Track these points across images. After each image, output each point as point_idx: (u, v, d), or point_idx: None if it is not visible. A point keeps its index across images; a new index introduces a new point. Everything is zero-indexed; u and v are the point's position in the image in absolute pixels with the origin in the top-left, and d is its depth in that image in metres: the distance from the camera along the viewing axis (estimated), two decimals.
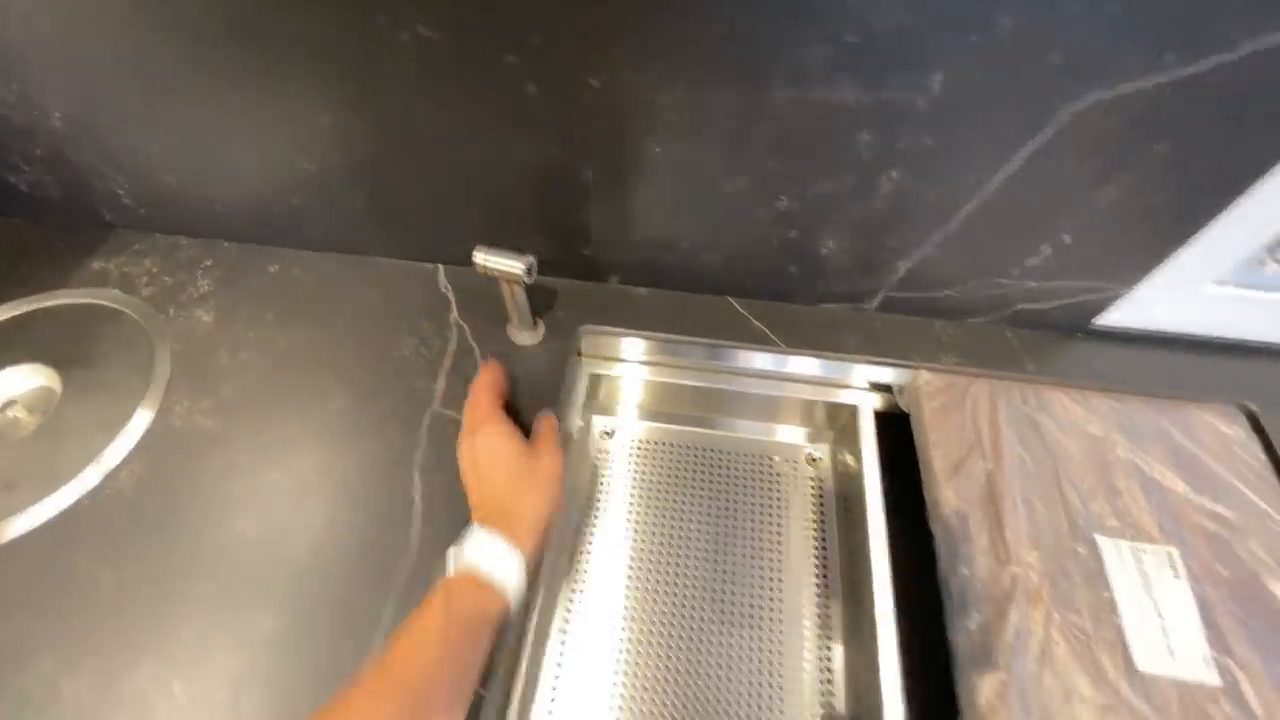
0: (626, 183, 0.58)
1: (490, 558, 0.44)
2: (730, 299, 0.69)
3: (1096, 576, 0.53)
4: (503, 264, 0.55)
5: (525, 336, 0.66)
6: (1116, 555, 0.54)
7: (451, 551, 0.46)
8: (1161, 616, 0.51)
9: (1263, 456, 0.60)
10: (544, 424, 0.56)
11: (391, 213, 0.67)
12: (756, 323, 0.68)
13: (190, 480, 0.57)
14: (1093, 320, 0.65)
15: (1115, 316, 0.65)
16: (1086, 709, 0.47)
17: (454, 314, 0.68)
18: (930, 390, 0.64)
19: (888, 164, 0.52)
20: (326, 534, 0.54)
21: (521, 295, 0.60)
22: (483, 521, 0.47)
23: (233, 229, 0.72)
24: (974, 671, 0.49)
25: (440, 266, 0.72)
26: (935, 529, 0.56)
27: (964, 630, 0.51)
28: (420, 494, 0.56)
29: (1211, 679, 0.49)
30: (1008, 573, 0.53)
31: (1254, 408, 0.63)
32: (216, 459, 0.58)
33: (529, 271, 0.56)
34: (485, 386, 0.56)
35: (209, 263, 0.72)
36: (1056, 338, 0.67)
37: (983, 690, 0.48)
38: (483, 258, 0.55)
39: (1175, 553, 0.54)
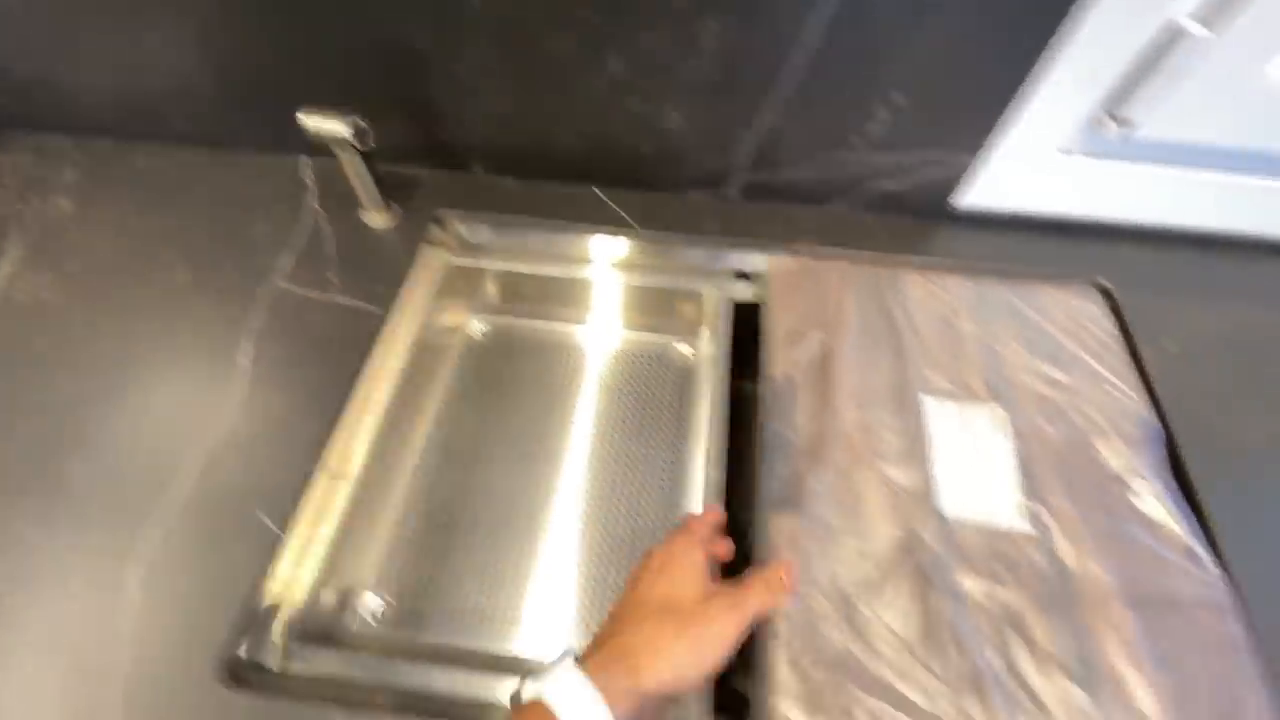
0: (456, 51, 0.58)
1: (571, 699, 0.33)
2: (594, 188, 0.69)
3: (916, 432, 0.52)
4: (327, 125, 0.55)
5: (377, 218, 0.65)
6: (940, 413, 0.53)
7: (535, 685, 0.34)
8: (978, 469, 0.51)
9: (1114, 330, 0.59)
10: (772, 574, 0.42)
11: (250, 102, 0.67)
12: (618, 209, 0.67)
13: (23, 347, 0.57)
14: (952, 202, 0.65)
15: (973, 197, 0.64)
16: (884, 547, 0.47)
17: (312, 201, 0.68)
18: (781, 272, 0.63)
19: (699, 9, 0.51)
20: (151, 393, 0.54)
21: (361, 167, 0.60)
22: (591, 656, 0.35)
23: (100, 123, 0.72)
24: (773, 512, 0.48)
25: (304, 158, 0.71)
26: (763, 391, 0.55)
27: (773, 478, 0.50)
28: (250, 359, 0.56)
29: (1022, 527, 0.48)
30: (825, 427, 0.52)
31: (1108, 285, 0.62)
32: (51, 329, 0.58)
33: (359, 135, 0.55)
34: (707, 524, 0.45)
35: (76, 156, 0.72)
36: (918, 223, 0.66)
37: (780, 529, 0.47)
38: (308, 120, 0.55)
39: (1003, 412, 0.54)
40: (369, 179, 0.61)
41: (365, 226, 0.65)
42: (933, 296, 0.61)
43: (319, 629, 0.52)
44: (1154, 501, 0.49)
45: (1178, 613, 0.44)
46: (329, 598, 0.53)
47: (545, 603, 0.58)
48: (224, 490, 0.49)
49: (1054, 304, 0.61)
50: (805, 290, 0.62)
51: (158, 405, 0.54)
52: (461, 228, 0.69)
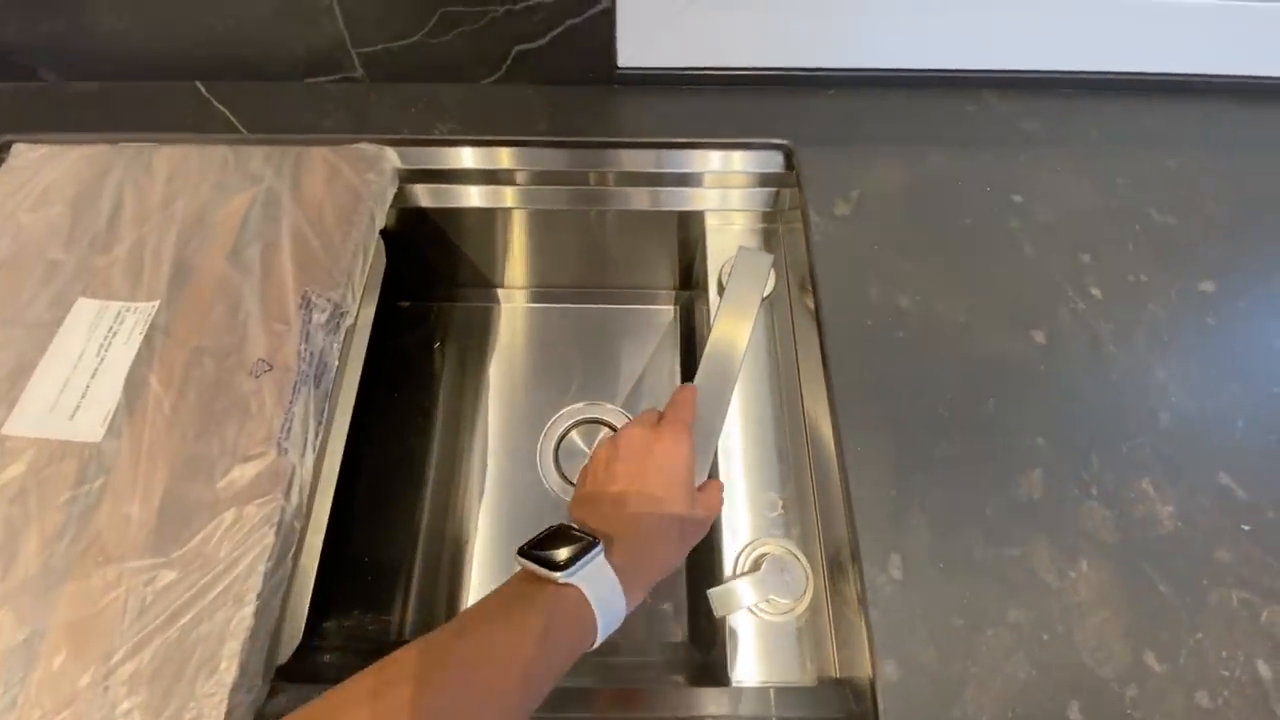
0: None
1: (607, 597, 0.32)
2: (198, 83, 0.56)
3: (46, 340, 0.44)
4: None
5: None
6: (81, 316, 0.45)
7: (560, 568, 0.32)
8: (85, 378, 0.43)
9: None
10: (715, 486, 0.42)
11: None
12: (221, 108, 0.55)
13: None
14: (616, 65, 0.55)
15: (631, 53, 0.54)
16: None
17: None
18: (19, 166, 0.51)
19: None
20: None
21: None
22: (613, 553, 0.34)
23: None
24: None
25: None
26: None
27: None
28: None
29: (94, 439, 0.40)
30: None
31: (789, 144, 0.54)
32: None
33: None
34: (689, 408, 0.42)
35: None
36: (588, 93, 0.57)
37: None
38: None
39: (150, 307, 0.45)
40: None
41: None
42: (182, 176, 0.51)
43: None
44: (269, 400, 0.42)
45: None
46: None
47: None
48: None
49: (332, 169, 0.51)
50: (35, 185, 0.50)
51: None
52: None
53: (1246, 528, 0.40)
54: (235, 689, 0.36)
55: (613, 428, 0.68)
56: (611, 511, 0.36)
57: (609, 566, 0.33)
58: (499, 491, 0.65)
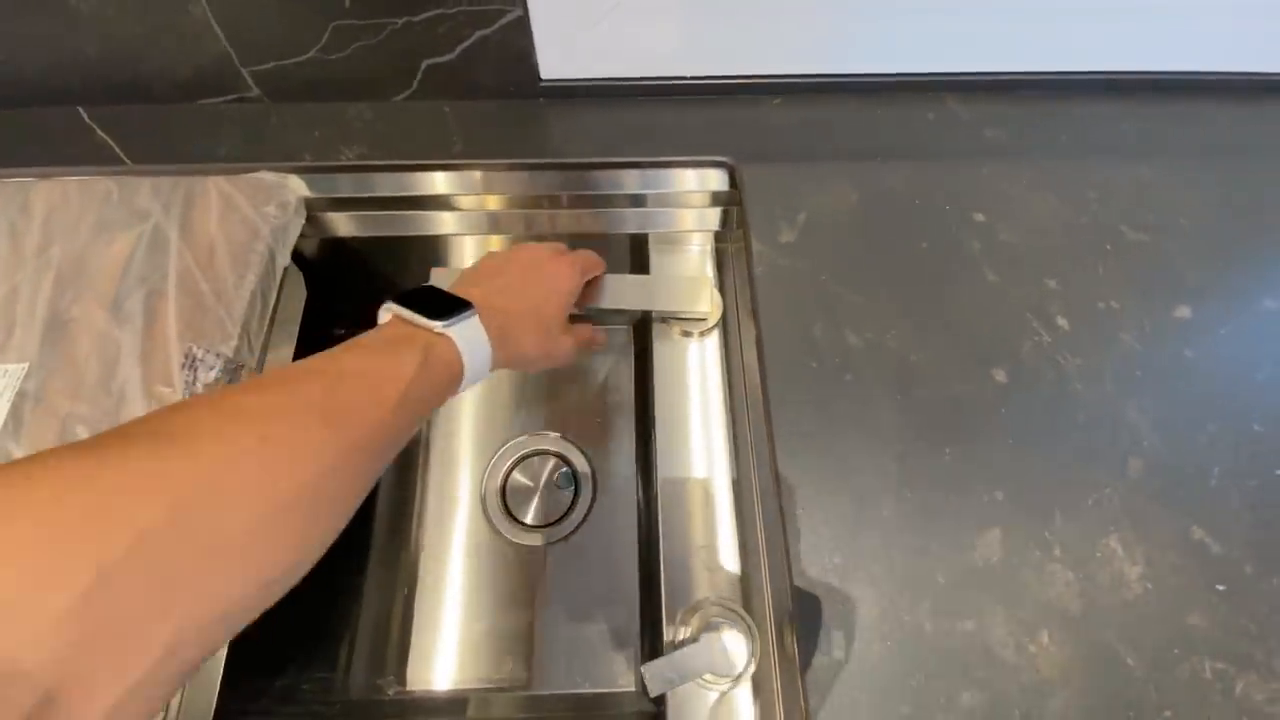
0: None
1: (476, 352, 0.34)
2: (80, 109, 0.51)
3: None
4: None
5: None
6: None
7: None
8: None
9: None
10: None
11: None
12: (104, 136, 0.50)
13: None
14: (539, 77, 0.50)
15: (554, 65, 0.49)
16: None
17: None
18: None
19: None
20: None
21: None
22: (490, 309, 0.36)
23: None
24: None
25: None
26: None
27: None
28: None
29: None
30: None
31: (731, 162, 0.50)
32: None
33: None
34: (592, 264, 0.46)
35: None
36: (511, 108, 0.52)
37: None
38: None
39: (19, 368, 0.41)
40: None
41: None
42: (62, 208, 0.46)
43: None
44: None
45: None
46: None
47: None
48: None
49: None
50: None
51: None
52: None
53: (1221, 587, 0.37)
54: None
55: (562, 459, 0.64)
56: (490, 291, 0.37)
57: (482, 328, 0.35)
58: (440, 535, 0.61)
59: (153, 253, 0.45)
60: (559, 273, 0.41)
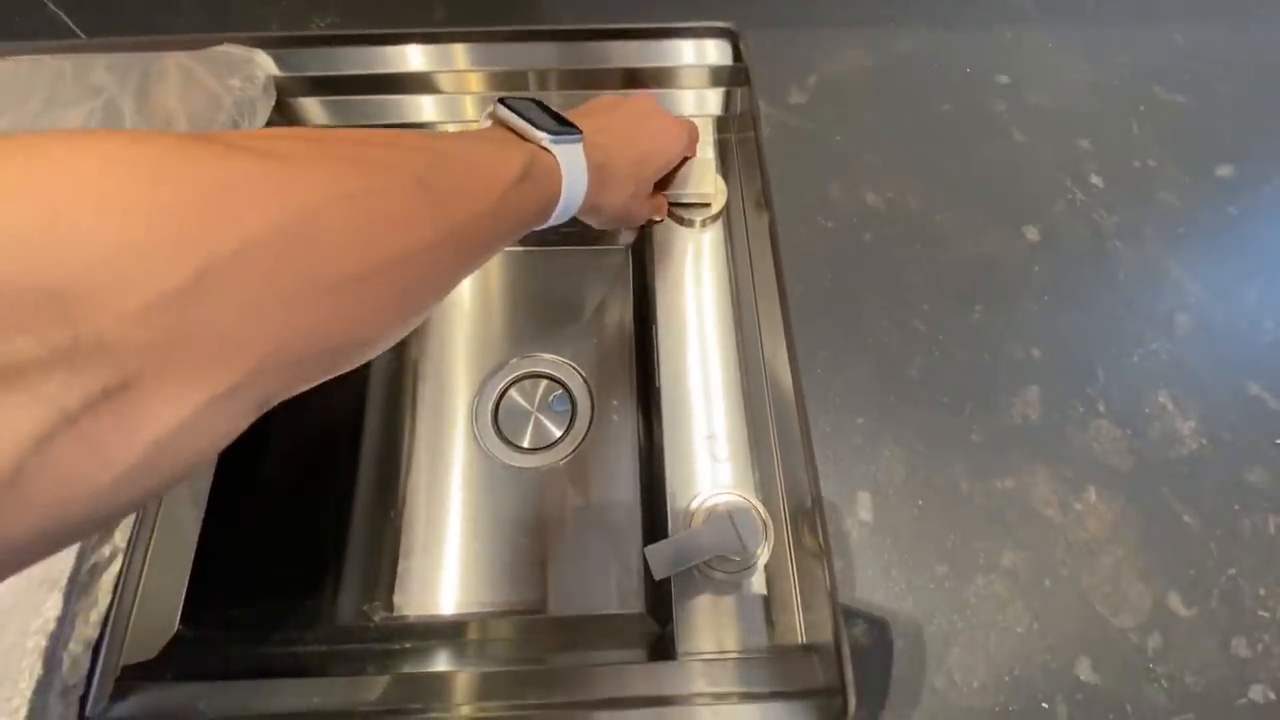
0: None
1: (573, 183, 0.31)
2: None
3: None
4: None
5: None
6: None
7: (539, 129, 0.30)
8: None
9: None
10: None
11: None
12: (57, 10, 0.46)
13: None
14: None
15: None
16: None
17: None
18: None
19: None
20: None
21: None
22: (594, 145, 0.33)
23: None
24: None
25: None
26: None
27: None
28: None
29: None
30: None
31: (733, 27, 0.46)
32: None
33: None
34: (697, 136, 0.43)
35: None
36: None
37: None
38: None
39: None
40: None
41: None
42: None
43: None
44: None
45: None
46: None
47: None
48: None
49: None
50: None
51: None
52: None
53: None
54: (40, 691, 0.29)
55: (557, 381, 0.61)
56: (595, 129, 0.34)
57: (584, 158, 0.32)
58: (433, 460, 0.58)
59: (106, 126, 0.42)
60: (669, 130, 0.39)
